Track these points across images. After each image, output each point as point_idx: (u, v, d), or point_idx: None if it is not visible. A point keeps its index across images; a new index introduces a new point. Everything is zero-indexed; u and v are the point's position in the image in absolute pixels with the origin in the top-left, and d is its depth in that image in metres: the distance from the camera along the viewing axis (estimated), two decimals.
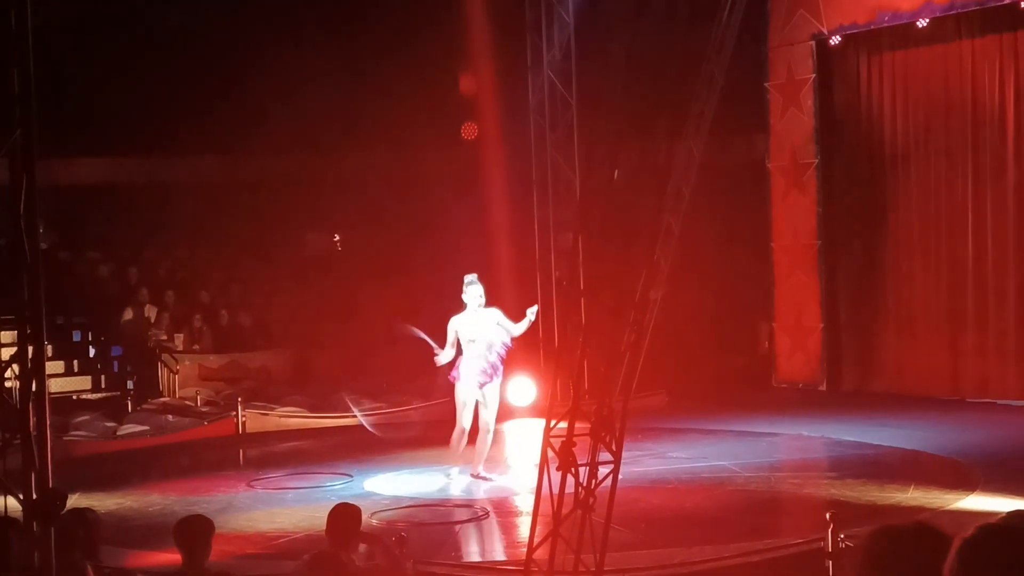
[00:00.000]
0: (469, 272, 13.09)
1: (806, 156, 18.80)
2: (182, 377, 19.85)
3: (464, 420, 12.94)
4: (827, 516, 8.97)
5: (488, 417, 12.91)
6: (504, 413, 13.53)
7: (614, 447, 7.66)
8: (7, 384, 7.50)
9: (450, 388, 13.16)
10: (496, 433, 13.15)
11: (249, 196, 22.12)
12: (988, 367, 17.21)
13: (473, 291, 12.82)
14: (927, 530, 3.52)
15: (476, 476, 12.94)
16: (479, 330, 12.78)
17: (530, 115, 18.73)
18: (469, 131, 22.02)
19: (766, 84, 19.23)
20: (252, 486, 13.31)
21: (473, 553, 10.76)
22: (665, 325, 17.96)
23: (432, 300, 20.27)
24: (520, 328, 12.88)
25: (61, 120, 16.40)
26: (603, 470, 7.65)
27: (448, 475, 13.05)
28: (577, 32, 18.13)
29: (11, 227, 7.00)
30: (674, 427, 16.02)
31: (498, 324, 12.85)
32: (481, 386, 12.83)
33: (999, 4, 16.56)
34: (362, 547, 7.62)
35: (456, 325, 12.84)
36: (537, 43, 18.52)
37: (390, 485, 13.08)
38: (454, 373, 12.94)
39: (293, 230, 23.68)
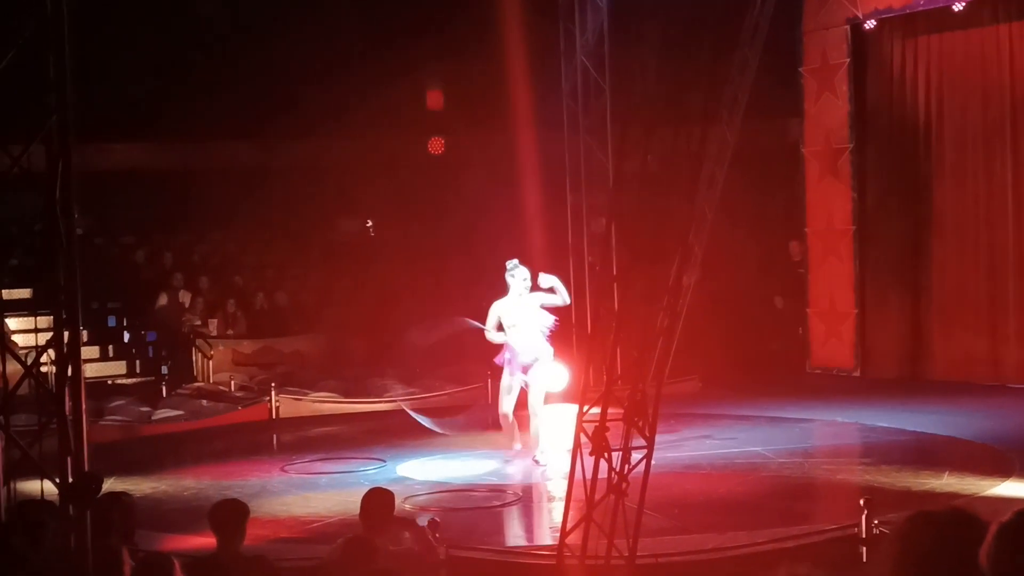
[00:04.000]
0: (506, 257, 13.12)
1: (841, 141, 18.70)
2: (216, 362, 19.92)
3: (504, 406, 13.00)
4: (861, 502, 8.95)
5: (534, 401, 12.94)
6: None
7: (647, 432, 7.65)
8: (43, 369, 7.55)
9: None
10: (538, 416, 13.10)
11: (282, 181, 22.16)
12: None
13: (519, 274, 12.86)
14: (963, 516, 3.50)
15: (534, 462, 12.97)
16: (521, 315, 12.82)
17: (563, 100, 18.69)
18: (435, 146, 22.10)
19: (800, 69, 19.13)
20: (286, 471, 13.36)
21: (506, 538, 10.77)
22: (698, 310, 17.98)
23: (464, 285, 20.33)
24: (564, 295, 12.93)
25: (96, 106, 16.44)
26: (636, 455, 7.64)
27: (507, 459, 13.07)
28: (610, 17, 18.07)
29: (47, 212, 7.04)
30: (707, 412, 15.99)
31: (541, 307, 12.89)
32: (525, 370, 12.87)
33: None
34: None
35: (499, 310, 12.87)
36: (570, 28, 18.47)
37: (423, 470, 13.11)
38: (499, 358, 13.00)
39: (325, 215, 23.72)
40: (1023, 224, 17.10)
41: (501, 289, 13.07)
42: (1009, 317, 17.28)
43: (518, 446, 13.17)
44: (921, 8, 17.59)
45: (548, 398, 13.17)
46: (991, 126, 17.37)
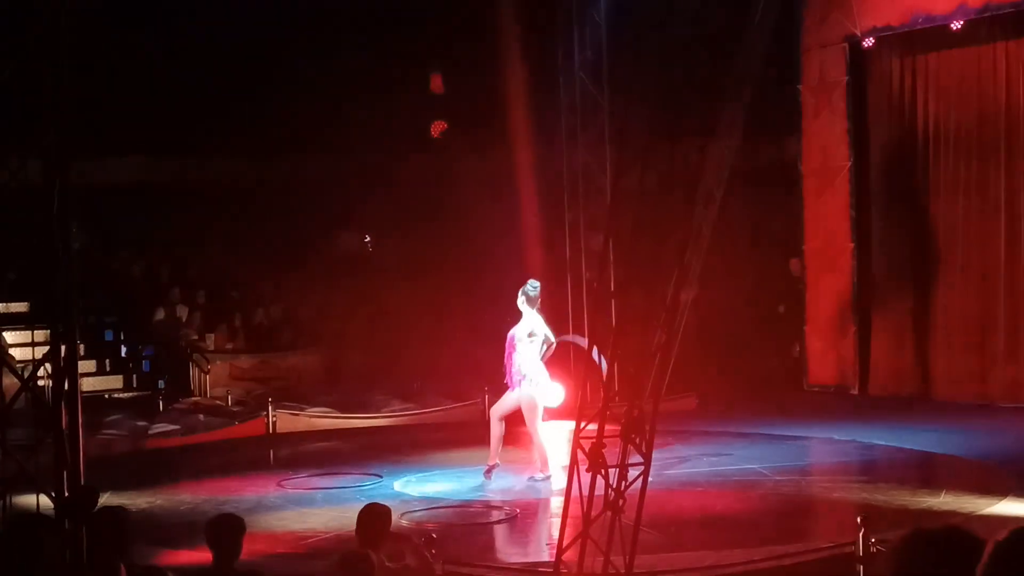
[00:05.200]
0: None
1: (838, 158, 18.71)
2: (213, 377, 19.92)
3: (493, 409, 13.19)
4: (858, 520, 8.93)
5: (527, 423, 12.98)
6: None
7: (644, 449, 7.64)
8: (40, 383, 7.55)
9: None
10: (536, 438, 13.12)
11: (280, 196, 22.17)
12: (1021, 371, 17.08)
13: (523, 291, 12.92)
14: (960, 534, 3.50)
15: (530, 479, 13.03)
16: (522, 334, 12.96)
17: (561, 116, 18.71)
18: (437, 128, 22.04)
19: (798, 86, 19.14)
20: (282, 486, 13.34)
21: (502, 554, 10.75)
22: (696, 327, 17.96)
23: (463, 300, 20.33)
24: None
25: (93, 121, 16.45)
26: (633, 472, 7.64)
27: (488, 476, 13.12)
28: (608, 33, 18.10)
29: (45, 226, 7.04)
30: (704, 430, 15.98)
31: (530, 333, 12.87)
32: (512, 387, 12.95)
33: None
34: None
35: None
36: (568, 44, 18.50)
37: (420, 486, 13.09)
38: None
39: (324, 230, 23.72)
40: (1014, 243, 17.10)
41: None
42: (999, 336, 17.29)
43: (493, 461, 13.10)
44: (920, 26, 17.61)
45: (546, 414, 13.12)
46: (986, 144, 17.38)
